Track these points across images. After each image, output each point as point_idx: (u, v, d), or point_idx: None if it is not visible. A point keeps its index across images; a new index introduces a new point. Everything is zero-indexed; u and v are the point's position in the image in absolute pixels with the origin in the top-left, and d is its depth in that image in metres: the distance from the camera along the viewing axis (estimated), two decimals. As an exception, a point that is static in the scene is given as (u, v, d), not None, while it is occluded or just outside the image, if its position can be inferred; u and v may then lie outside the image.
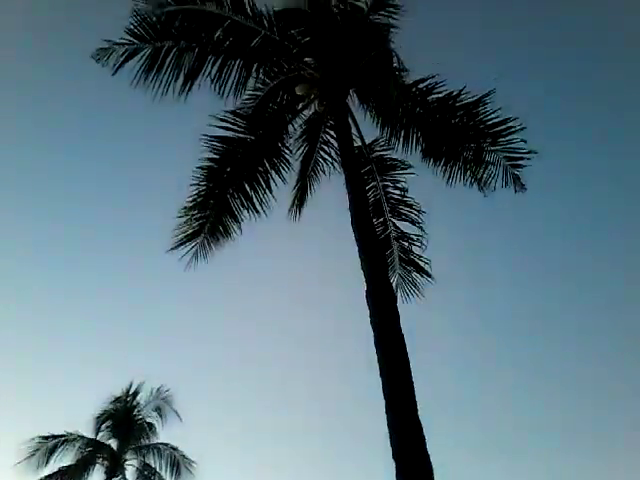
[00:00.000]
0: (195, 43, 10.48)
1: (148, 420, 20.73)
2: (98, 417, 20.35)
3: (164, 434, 20.81)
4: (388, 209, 10.80)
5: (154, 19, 10.29)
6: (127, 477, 20.05)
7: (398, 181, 10.74)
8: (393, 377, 6.59)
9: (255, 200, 10.85)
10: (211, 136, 10.80)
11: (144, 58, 10.32)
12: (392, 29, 10.38)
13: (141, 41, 10.30)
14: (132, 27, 10.23)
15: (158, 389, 21.00)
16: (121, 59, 10.27)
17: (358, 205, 8.59)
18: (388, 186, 10.79)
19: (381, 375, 6.70)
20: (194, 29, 10.46)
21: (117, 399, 20.72)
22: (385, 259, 8.99)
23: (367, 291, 7.56)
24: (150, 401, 20.92)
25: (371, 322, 7.26)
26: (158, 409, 20.71)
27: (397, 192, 10.72)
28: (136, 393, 21.01)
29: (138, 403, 20.87)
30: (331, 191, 11.19)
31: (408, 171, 10.71)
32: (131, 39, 10.27)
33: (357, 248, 8.19)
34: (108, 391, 20.87)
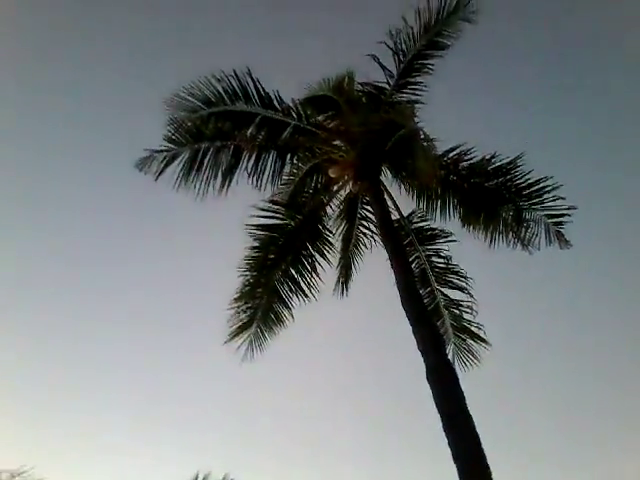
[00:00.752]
0: (230, 141, 10.59)
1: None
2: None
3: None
4: (434, 278, 10.44)
5: (189, 124, 10.47)
6: None
7: (440, 250, 10.43)
8: (467, 462, 6.17)
9: (303, 284, 10.68)
10: (253, 225, 10.79)
11: (183, 161, 10.45)
12: (417, 105, 10.41)
13: (179, 146, 10.48)
14: (170, 134, 10.44)
15: (224, 478, 20.37)
16: (162, 165, 10.44)
17: (404, 280, 8.35)
18: (431, 255, 10.47)
19: (455, 460, 6.29)
20: (227, 128, 10.59)
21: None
22: (440, 335, 8.58)
23: (427, 371, 7.19)
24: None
25: (436, 404, 6.89)
26: (225, 498, 20.00)
27: (441, 260, 10.39)
28: (204, 483, 20.39)
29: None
30: (374, 264, 11.02)
31: (449, 239, 10.41)
32: (170, 145, 10.46)
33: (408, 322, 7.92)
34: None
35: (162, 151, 10.45)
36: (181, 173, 10.45)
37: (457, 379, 7.17)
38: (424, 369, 7.32)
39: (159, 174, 10.45)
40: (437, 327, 9.30)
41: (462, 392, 6.99)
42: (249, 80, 10.32)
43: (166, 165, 10.45)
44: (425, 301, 9.85)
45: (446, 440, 6.56)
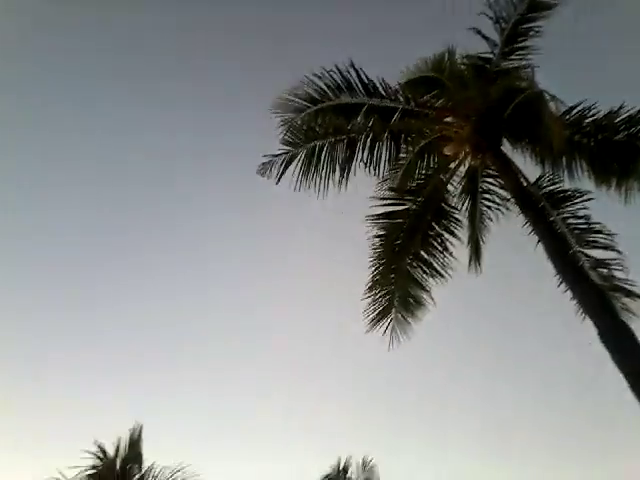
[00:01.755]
0: (342, 135, 10.54)
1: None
2: (313, 498, 19.97)
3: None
4: (574, 240, 9.95)
5: (299, 123, 10.49)
6: None
7: (577, 210, 9.91)
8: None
9: (436, 265, 10.49)
10: (375, 215, 10.73)
11: (301, 161, 10.49)
12: (527, 69, 9.99)
13: (295, 147, 10.53)
14: (284, 137, 10.51)
15: (364, 461, 20.44)
16: (281, 168, 10.52)
17: (553, 245, 8.11)
18: (568, 218, 9.91)
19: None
20: (337, 122, 10.56)
21: (327, 476, 20.27)
22: (605, 293, 8.16)
23: (601, 332, 6.86)
24: (360, 475, 20.32)
25: (617, 364, 6.57)
26: (367, 481, 20.04)
27: (580, 221, 9.87)
28: (346, 469, 20.48)
29: (349, 478, 20.31)
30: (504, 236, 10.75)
31: (585, 198, 9.86)
32: (286, 148, 10.53)
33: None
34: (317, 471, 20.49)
35: (280, 154, 10.54)
36: (300, 173, 10.49)
37: (634, 334, 6.81)
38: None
39: (280, 177, 10.55)
40: (600, 287, 8.78)
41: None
42: (351, 72, 10.30)
43: (285, 167, 10.54)
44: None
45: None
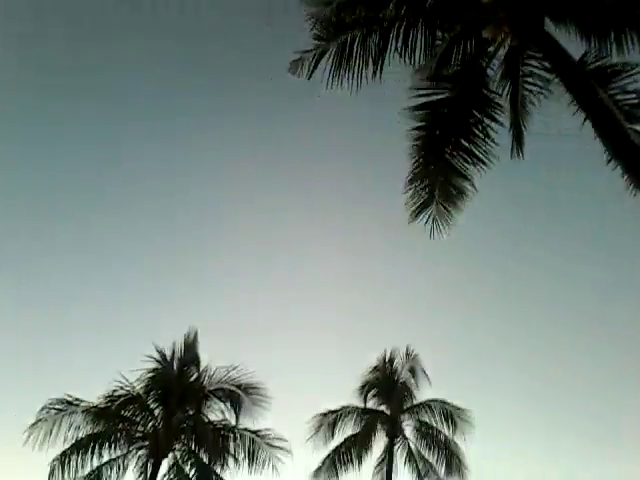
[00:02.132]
0: (373, 24, 9.99)
1: (407, 382, 20.89)
2: (362, 387, 20.87)
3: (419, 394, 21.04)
4: (623, 117, 9.36)
5: (327, 14, 10.01)
6: (407, 436, 20.57)
7: (626, 85, 9.29)
8: None
9: (477, 152, 10.19)
10: (410, 107, 10.39)
11: (332, 56, 10.05)
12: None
13: (326, 41, 10.06)
14: (313, 30, 10.09)
15: (407, 352, 21.19)
16: (312, 64, 10.12)
17: (606, 122, 7.68)
18: (616, 94, 9.30)
19: None
20: (367, 12, 10.00)
21: (375, 368, 21.12)
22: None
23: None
24: (404, 364, 21.11)
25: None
26: (412, 370, 20.81)
27: (630, 96, 9.26)
28: (392, 359, 21.29)
29: (396, 368, 21.13)
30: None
31: (635, 71, 9.16)
32: (317, 42, 10.09)
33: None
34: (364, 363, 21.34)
35: (310, 50, 10.11)
36: (332, 68, 10.06)
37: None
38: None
39: (311, 74, 10.16)
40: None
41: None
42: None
43: (316, 63, 10.12)
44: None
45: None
